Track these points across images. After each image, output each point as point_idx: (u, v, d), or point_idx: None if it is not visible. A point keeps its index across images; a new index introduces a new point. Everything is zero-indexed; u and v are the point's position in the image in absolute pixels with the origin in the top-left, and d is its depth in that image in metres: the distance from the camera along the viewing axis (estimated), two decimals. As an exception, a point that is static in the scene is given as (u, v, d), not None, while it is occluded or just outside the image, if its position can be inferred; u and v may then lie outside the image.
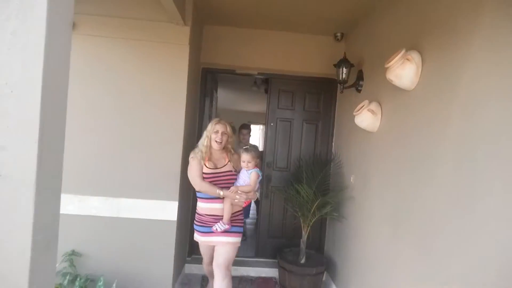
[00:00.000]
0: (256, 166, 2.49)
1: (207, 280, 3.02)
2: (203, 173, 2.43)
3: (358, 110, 2.50)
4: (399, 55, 1.93)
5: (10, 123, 0.79)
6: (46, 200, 0.86)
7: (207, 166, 2.44)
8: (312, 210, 3.07)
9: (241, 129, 4.43)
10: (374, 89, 2.62)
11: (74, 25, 2.69)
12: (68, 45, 0.89)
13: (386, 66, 2.01)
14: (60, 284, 2.50)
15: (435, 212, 1.67)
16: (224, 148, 2.53)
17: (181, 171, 2.86)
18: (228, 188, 2.44)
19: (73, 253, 2.77)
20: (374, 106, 2.45)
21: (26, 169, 0.80)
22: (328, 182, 3.33)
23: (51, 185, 0.88)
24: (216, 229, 2.43)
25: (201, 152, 2.46)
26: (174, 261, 2.92)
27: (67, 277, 2.61)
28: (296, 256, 3.28)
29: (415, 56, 1.94)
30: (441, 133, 1.68)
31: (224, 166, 2.50)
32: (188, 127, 3.05)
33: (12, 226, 0.81)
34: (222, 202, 2.44)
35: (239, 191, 2.43)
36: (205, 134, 2.51)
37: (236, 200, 2.43)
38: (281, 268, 3.22)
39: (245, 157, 2.46)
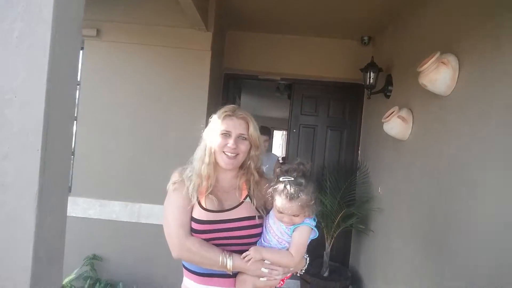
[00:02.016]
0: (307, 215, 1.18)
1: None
2: (195, 220, 1.17)
3: (387, 117, 2.35)
4: (433, 59, 1.79)
5: (13, 130, 0.75)
6: (50, 212, 0.82)
7: (204, 206, 1.19)
8: (336, 221, 2.93)
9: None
10: (404, 95, 2.46)
11: (98, 32, 2.74)
12: (76, 49, 0.85)
13: (419, 70, 1.87)
14: (81, 287, 2.52)
15: (476, 229, 1.50)
16: (242, 169, 1.28)
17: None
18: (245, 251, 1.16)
19: (94, 257, 2.78)
20: (404, 112, 2.30)
21: (29, 178, 0.76)
22: (354, 192, 3.17)
23: (56, 195, 0.83)
24: None
25: (195, 176, 1.22)
26: (193, 269, 2.86)
27: (88, 281, 2.63)
28: (318, 268, 3.13)
29: (451, 59, 1.78)
30: (481, 142, 1.51)
31: (238, 206, 1.23)
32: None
33: (13, 239, 0.77)
34: (233, 286, 1.19)
35: (266, 261, 1.15)
36: (203, 141, 1.28)
37: (262, 279, 1.15)
38: (302, 280, 3.09)
39: (284, 207, 1.12)
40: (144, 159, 2.83)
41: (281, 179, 1.15)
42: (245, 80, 4.26)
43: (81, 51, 2.83)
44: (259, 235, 1.22)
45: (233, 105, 1.29)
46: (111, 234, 2.82)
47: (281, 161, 3.74)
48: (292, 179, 1.13)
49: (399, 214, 2.39)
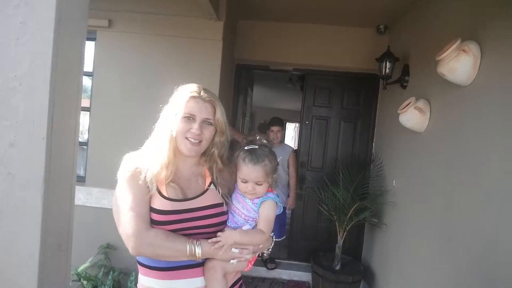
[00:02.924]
0: (270, 188, 1.18)
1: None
2: (155, 210, 1.07)
3: (404, 108, 2.27)
4: (454, 46, 1.70)
5: (19, 118, 0.75)
6: (57, 200, 0.81)
7: (166, 195, 1.10)
8: (349, 215, 2.88)
9: (271, 126, 3.36)
10: (421, 85, 2.37)
11: (110, 23, 2.74)
12: (82, 36, 0.84)
13: (438, 59, 1.78)
14: (96, 276, 2.57)
15: (496, 224, 1.43)
16: (205, 155, 1.19)
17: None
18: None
19: (108, 246, 2.83)
20: (421, 103, 2.21)
21: (35, 167, 0.75)
22: (367, 185, 3.10)
23: (63, 183, 0.83)
24: None
25: (153, 162, 1.10)
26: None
27: (102, 269, 2.68)
28: (330, 261, 3.10)
29: (472, 47, 1.70)
30: (503, 135, 1.44)
31: (203, 194, 1.15)
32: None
33: (20, 228, 0.77)
34: (201, 275, 1.11)
35: (235, 240, 1.09)
36: (162, 123, 1.19)
37: (233, 261, 1.10)
38: (314, 273, 3.07)
39: (248, 172, 1.12)
40: (156, 150, 2.84)
41: (246, 147, 1.16)
42: (257, 71, 4.21)
43: (93, 42, 2.86)
44: (224, 220, 1.16)
45: (198, 85, 1.18)
46: (124, 223, 2.86)
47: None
48: (257, 146, 1.16)
49: (414, 208, 2.32)
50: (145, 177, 1.07)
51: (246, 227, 1.15)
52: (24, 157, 0.75)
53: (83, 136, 3.07)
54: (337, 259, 3.03)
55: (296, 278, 3.47)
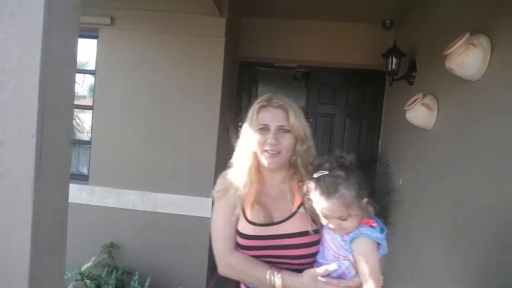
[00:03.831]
0: (363, 219, 0.93)
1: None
2: (240, 234, 1.03)
3: (410, 105, 2.21)
4: (462, 40, 1.64)
5: (8, 115, 0.72)
6: (49, 199, 0.79)
7: (248, 217, 1.03)
8: (354, 214, 2.83)
9: None
10: (429, 81, 2.31)
11: (112, 20, 2.72)
12: (73, 28, 0.80)
13: (446, 53, 1.72)
14: (99, 275, 2.56)
15: (508, 228, 1.38)
16: (292, 168, 1.06)
17: (215, 167, 2.78)
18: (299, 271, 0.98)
19: (112, 245, 2.83)
20: (429, 99, 2.15)
21: (25, 165, 0.73)
22: (373, 183, 3.05)
23: (55, 182, 0.80)
24: None
25: (236, 182, 1.05)
26: (209, 258, 2.86)
27: (106, 269, 2.67)
28: (335, 261, 3.05)
29: (482, 40, 1.63)
30: (516, 132, 1.38)
31: (290, 217, 1.02)
32: (223, 123, 2.96)
33: (11, 228, 0.75)
34: None
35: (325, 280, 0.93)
36: (241, 140, 1.09)
37: None
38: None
39: (323, 207, 0.91)
40: (159, 149, 2.82)
41: (314, 175, 0.93)
42: (262, 68, 4.17)
43: (96, 40, 2.85)
44: (315, 252, 0.98)
45: (268, 94, 1.06)
46: (128, 222, 2.85)
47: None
48: (327, 172, 0.91)
49: (422, 207, 2.27)
50: (230, 199, 1.03)
51: (332, 266, 0.92)
52: (13, 156, 0.73)
53: (87, 135, 3.06)
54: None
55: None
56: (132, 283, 2.48)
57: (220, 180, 1.09)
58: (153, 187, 2.83)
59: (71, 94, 0.84)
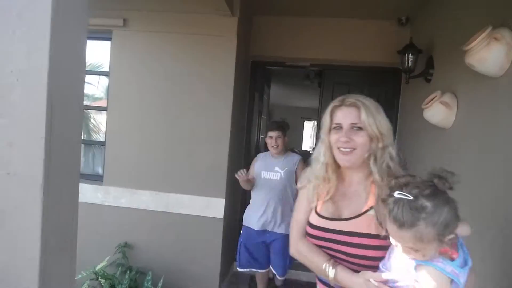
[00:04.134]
0: (445, 249, 0.82)
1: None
2: (308, 223, 1.11)
3: (428, 103, 2.14)
4: (484, 34, 1.57)
5: (16, 116, 0.71)
6: (58, 200, 0.78)
7: (319, 210, 1.10)
8: (370, 215, 2.76)
9: (268, 131, 2.64)
10: (447, 78, 2.23)
11: (125, 22, 2.75)
12: (82, 27, 0.79)
13: (466, 48, 1.65)
14: (113, 274, 2.59)
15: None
16: (365, 165, 1.05)
17: (227, 168, 2.77)
18: (356, 271, 0.98)
19: (126, 245, 2.85)
20: (448, 97, 2.07)
21: (34, 166, 0.72)
22: (389, 184, 2.97)
23: (64, 183, 0.79)
24: None
25: (313, 177, 1.12)
26: (221, 259, 2.85)
27: (120, 268, 2.70)
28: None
29: (505, 34, 1.55)
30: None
31: (357, 217, 1.02)
32: (236, 123, 2.95)
33: (21, 229, 0.74)
34: None
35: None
36: (319, 139, 1.14)
37: None
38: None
39: (393, 233, 0.83)
40: (172, 149, 2.83)
41: (395, 194, 0.81)
42: (274, 68, 4.14)
43: (109, 42, 2.88)
44: (378, 258, 0.95)
45: (344, 95, 1.09)
46: (142, 222, 2.87)
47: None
48: (411, 198, 0.78)
49: (440, 209, 2.18)
50: (310, 190, 1.12)
51: (391, 275, 0.87)
52: (23, 157, 0.72)
53: (103, 136, 3.10)
54: (357, 261, 2.92)
55: (314, 280, 3.37)
56: (146, 283, 2.49)
57: (304, 173, 1.19)
58: (166, 187, 2.84)
59: (81, 95, 0.83)
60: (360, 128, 1.01)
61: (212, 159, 2.78)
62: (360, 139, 1.01)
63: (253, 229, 2.57)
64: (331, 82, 3.44)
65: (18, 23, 0.70)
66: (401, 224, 0.78)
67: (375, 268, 0.94)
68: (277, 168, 2.56)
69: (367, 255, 0.97)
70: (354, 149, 1.01)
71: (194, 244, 2.83)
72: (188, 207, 2.82)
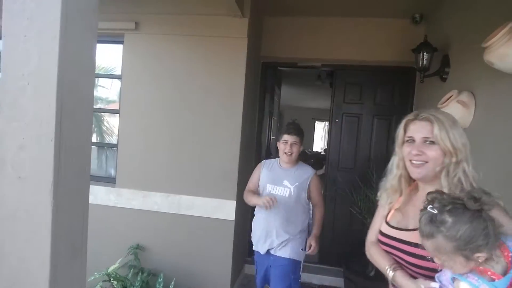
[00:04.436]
0: (482, 268, 0.85)
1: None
2: (379, 231, 1.19)
3: (445, 102, 2.08)
4: (504, 30, 1.51)
5: (27, 119, 0.71)
6: (69, 203, 0.77)
7: (389, 222, 1.16)
8: (384, 218, 2.70)
9: (284, 134, 2.20)
10: (464, 77, 2.16)
11: (137, 25, 2.77)
12: (91, 31, 0.79)
13: (485, 45, 1.59)
14: (125, 276, 2.60)
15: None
16: (437, 178, 1.06)
17: (238, 170, 2.75)
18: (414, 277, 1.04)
19: (138, 246, 2.87)
20: (465, 96, 2.01)
21: (44, 169, 0.71)
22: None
23: (75, 186, 0.79)
24: None
25: (386, 186, 1.21)
26: (232, 261, 2.83)
27: (132, 270, 2.71)
28: (364, 267, 2.93)
29: (527, 30, 1.49)
30: None
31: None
32: (246, 125, 2.93)
33: (32, 234, 0.74)
34: None
35: None
36: (395, 151, 1.18)
37: None
38: (346, 278, 2.92)
39: (423, 243, 0.92)
40: (183, 151, 2.83)
41: (429, 207, 0.89)
42: (285, 69, 4.11)
43: (121, 45, 2.91)
44: (436, 270, 0.98)
45: (419, 110, 1.13)
46: (153, 224, 2.88)
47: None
48: (435, 212, 0.86)
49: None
50: (384, 199, 1.21)
51: (435, 284, 0.93)
52: (33, 160, 0.72)
53: (115, 139, 3.13)
54: (371, 264, 2.85)
55: (327, 283, 3.33)
56: (157, 285, 2.50)
57: (381, 183, 1.25)
58: (178, 189, 2.84)
59: (90, 97, 0.82)
60: (433, 142, 1.04)
61: (223, 161, 2.77)
62: (432, 153, 1.03)
63: (259, 252, 2.25)
64: (343, 82, 3.39)
65: (29, 27, 0.70)
66: (422, 234, 0.89)
67: (433, 279, 0.97)
68: (286, 182, 2.14)
69: (426, 266, 1.00)
70: (426, 162, 1.04)
71: (205, 246, 2.82)
72: (200, 209, 2.81)
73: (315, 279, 3.36)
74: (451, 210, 0.84)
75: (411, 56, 2.63)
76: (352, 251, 3.30)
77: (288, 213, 2.13)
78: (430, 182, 1.07)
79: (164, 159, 2.86)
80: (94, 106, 3.33)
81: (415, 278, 1.01)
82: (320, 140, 11.93)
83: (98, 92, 3.37)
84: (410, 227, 1.07)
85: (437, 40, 2.56)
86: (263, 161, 2.37)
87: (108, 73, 3.26)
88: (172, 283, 2.52)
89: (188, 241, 2.84)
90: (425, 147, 1.04)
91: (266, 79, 3.50)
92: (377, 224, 1.21)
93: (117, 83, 3.20)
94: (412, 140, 1.08)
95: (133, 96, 2.90)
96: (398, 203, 1.15)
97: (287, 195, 2.13)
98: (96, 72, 3.15)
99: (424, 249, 0.94)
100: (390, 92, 3.31)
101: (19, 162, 0.72)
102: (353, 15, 3.14)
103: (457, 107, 2.01)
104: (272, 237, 2.15)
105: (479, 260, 0.82)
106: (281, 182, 2.16)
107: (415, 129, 1.07)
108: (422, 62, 2.50)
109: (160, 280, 2.53)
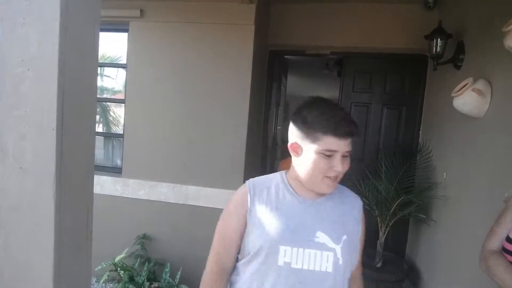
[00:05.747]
0: None
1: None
2: (508, 239, 1.09)
3: (459, 91, 2.01)
4: (526, 14, 1.43)
5: (28, 108, 0.68)
6: (72, 195, 0.74)
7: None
8: (393, 209, 2.66)
9: (319, 133, 0.95)
10: (480, 64, 2.08)
11: (142, 12, 2.71)
12: (94, 14, 0.74)
13: (505, 30, 1.52)
14: (132, 266, 2.61)
15: None
16: None
17: (245, 160, 2.72)
18: None
19: (144, 236, 2.87)
20: (481, 84, 1.94)
21: (46, 160, 0.68)
22: (413, 177, 2.85)
23: (78, 177, 0.76)
24: None
25: None
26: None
27: (138, 260, 2.72)
28: (371, 259, 2.91)
29: (550, 13, 1.41)
30: None
31: None
32: (253, 114, 2.88)
33: (36, 227, 0.71)
34: None
35: None
36: None
37: None
38: (353, 270, 2.90)
39: None
40: (189, 141, 2.80)
41: None
42: (292, 57, 4.02)
43: (126, 34, 2.86)
44: None
45: None
46: (160, 215, 2.87)
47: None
48: None
49: (470, 204, 2.06)
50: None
51: None
52: (35, 150, 0.69)
53: (121, 128, 3.11)
54: (378, 256, 2.83)
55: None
56: (164, 275, 2.50)
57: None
58: (184, 179, 2.82)
59: (93, 85, 0.79)
60: None
61: (229, 151, 2.74)
62: None
63: None
64: (352, 70, 3.31)
65: (28, 9, 0.66)
66: None
67: None
68: (323, 236, 0.96)
69: None
70: None
71: (212, 236, 2.81)
72: (206, 199, 2.80)
73: None
74: None
75: (423, 43, 2.54)
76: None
77: None
78: None
79: (171, 149, 2.83)
80: (100, 96, 3.30)
81: None
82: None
83: (104, 82, 3.33)
84: None
85: (452, 26, 2.47)
86: (246, 183, 1.08)
87: (113, 62, 3.21)
88: (179, 272, 2.52)
89: (195, 231, 2.83)
90: None
91: (273, 68, 3.43)
92: (504, 230, 1.06)
93: (123, 72, 3.16)
94: None
95: (138, 85, 2.86)
96: None
97: (331, 270, 0.94)
98: (101, 61, 3.12)
99: None
100: (400, 81, 3.22)
101: (21, 152, 0.69)
102: (364, 1, 3.04)
103: (472, 96, 1.94)
104: None
105: None
106: (311, 236, 0.96)
107: None
108: (436, 49, 2.42)
109: (167, 269, 2.53)
